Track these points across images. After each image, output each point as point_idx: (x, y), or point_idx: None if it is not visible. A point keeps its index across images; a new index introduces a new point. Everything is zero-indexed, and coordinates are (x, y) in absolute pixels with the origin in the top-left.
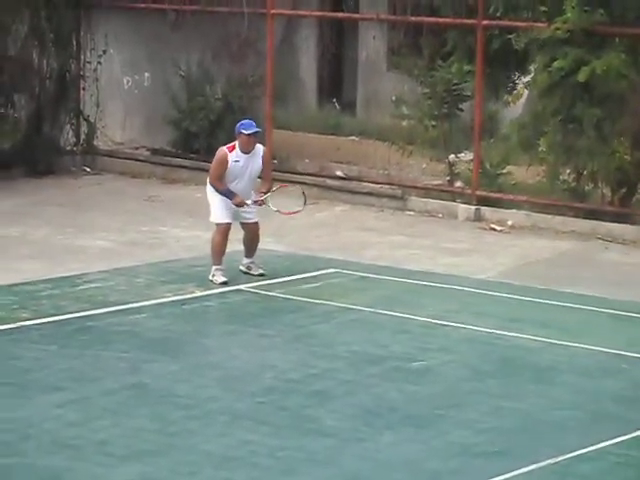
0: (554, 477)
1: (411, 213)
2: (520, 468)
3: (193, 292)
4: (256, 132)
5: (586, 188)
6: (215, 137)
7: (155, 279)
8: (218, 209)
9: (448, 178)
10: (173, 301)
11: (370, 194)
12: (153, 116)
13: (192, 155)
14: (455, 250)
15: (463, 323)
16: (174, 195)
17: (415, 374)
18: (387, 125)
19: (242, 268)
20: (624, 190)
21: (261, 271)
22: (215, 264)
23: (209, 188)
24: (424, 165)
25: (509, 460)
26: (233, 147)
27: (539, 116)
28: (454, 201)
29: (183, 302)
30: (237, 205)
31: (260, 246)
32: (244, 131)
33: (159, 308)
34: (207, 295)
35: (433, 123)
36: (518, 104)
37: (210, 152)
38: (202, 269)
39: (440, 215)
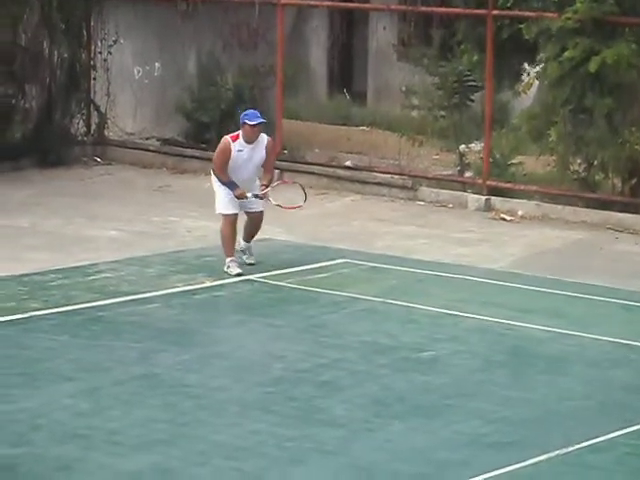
0: (564, 467)
1: (421, 203)
2: (530, 458)
3: (203, 282)
4: (260, 123)
5: (596, 178)
6: (226, 127)
7: (165, 269)
8: (223, 200)
9: (458, 168)
10: (183, 291)
11: (380, 184)
12: (164, 106)
13: (203, 145)
14: (465, 240)
15: (473, 313)
16: (184, 185)
17: (424, 364)
18: (397, 115)
19: (237, 248)
20: (635, 180)
21: (252, 261)
22: (228, 255)
23: (214, 178)
24: (435, 155)
25: (519, 450)
26: (237, 137)
27: (549, 106)
28: (464, 191)
29: (193, 292)
30: (238, 197)
31: (271, 236)
32: (248, 121)
33: (169, 298)
34: (217, 285)
35: (443, 113)
36: (529, 94)
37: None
38: (212, 259)
39: (450, 205)
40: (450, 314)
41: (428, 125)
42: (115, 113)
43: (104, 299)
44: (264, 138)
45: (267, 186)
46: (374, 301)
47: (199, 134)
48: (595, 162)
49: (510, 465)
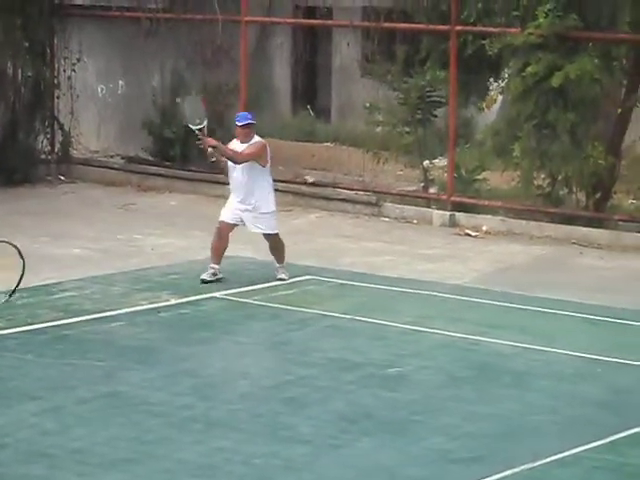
0: None
1: (386, 219)
2: (496, 473)
3: (168, 300)
4: (248, 124)
5: (561, 193)
6: (189, 145)
7: (130, 287)
8: (224, 208)
9: (423, 184)
10: (148, 309)
11: (345, 200)
12: (128, 124)
13: (167, 163)
14: (430, 256)
15: (439, 329)
16: (149, 203)
17: (391, 380)
18: (362, 131)
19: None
20: (599, 195)
21: (282, 276)
22: (211, 262)
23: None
24: (399, 171)
25: (485, 465)
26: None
27: (513, 121)
28: (429, 207)
29: (158, 310)
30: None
31: (235, 253)
32: (237, 123)
33: (134, 316)
34: (182, 303)
35: (407, 129)
36: (492, 109)
37: (185, 160)
38: (177, 277)
39: (415, 221)
40: (416, 330)
41: (392, 141)
42: (79, 131)
43: (69, 318)
44: (256, 139)
45: (212, 146)
46: (340, 318)
47: (164, 151)
48: (559, 177)
49: None
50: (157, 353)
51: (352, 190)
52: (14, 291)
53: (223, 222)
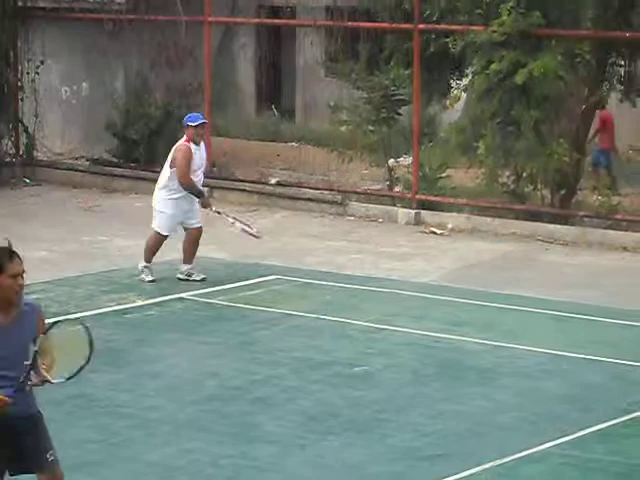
0: (499, 479)
1: (351, 218)
2: (464, 471)
3: (134, 301)
4: (203, 123)
5: (526, 190)
6: (155, 146)
7: (96, 289)
8: (166, 221)
9: (388, 183)
10: (115, 310)
11: (310, 200)
12: (92, 126)
13: (132, 164)
14: (396, 254)
15: (405, 327)
16: (114, 205)
17: (357, 379)
18: (326, 131)
19: (181, 276)
20: (563, 191)
21: (203, 276)
22: (147, 260)
23: (162, 195)
24: (364, 170)
25: (453, 463)
26: (187, 140)
27: (477, 119)
28: (394, 205)
29: (125, 311)
30: (204, 206)
31: (201, 254)
32: (191, 123)
33: (101, 318)
34: (149, 304)
35: (371, 128)
36: (456, 107)
37: (150, 161)
38: None
39: (380, 220)
40: (382, 328)
41: (357, 140)
42: (44, 134)
43: None
44: (201, 143)
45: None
46: (306, 317)
47: (128, 153)
48: (524, 174)
49: (444, 478)
50: (124, 355)
51: (317, 189)
52: (72, 376)
53: (166, 236)
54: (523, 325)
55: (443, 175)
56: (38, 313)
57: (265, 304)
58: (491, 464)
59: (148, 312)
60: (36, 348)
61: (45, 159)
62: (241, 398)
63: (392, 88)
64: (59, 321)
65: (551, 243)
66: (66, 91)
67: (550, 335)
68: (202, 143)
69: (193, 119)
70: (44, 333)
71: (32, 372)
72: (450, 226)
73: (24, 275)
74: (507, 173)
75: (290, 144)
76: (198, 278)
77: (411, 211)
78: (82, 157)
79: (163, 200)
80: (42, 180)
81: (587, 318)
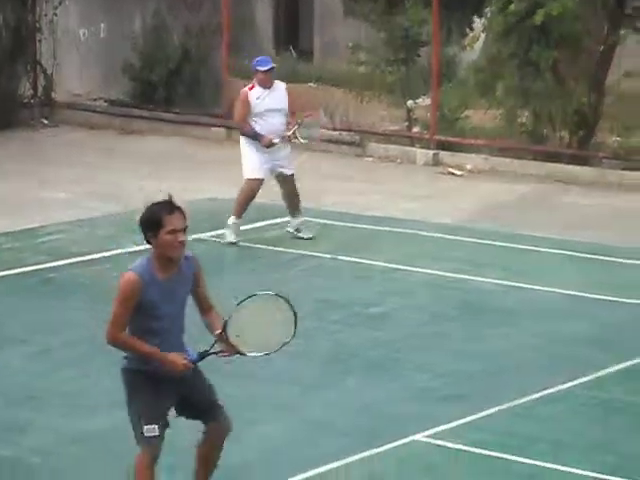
0: (517, 419)
1: (370, 159)
2: (482, 411)
3: None
4: (272, 68)
5: (544, 131)
6: (173, 87)
7: (117, 230)
8: (252, 163)
9: (406, 123)
10: (135, 252)
11: (329, 141)
12: (110, 67)
13: (150, 105)
14: (414, 195)
15: (423, 268)
16: (133, 146)
17: (376, 320)
18: (345, 72)
19: (290, 229)
20: (582, 132)
21: (311, 235)
22: (235, 215)
23: (242, 141)
24: (382, 111)
25: (471, 403)
26: (253, 86)
27: (496, 59)
28: (413, 146)
29: (145, 253)
30: (266, 146)
31: (219, 195)
32: (260, 68)
33: (121, 259)
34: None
35: (390, 69)
36: (475, 48)
37: (169, 102)
38: None
39: (399, 160)
40: (401, 269)
41: (376, 81)
42: (62, 75)
43: (55, 261)
44: (281, 84)
45: (292, 127)
46: (324, 258)
47: (146, 94)
48: (542, 115)
49: (462, 418)
50: None
51: (335, 130)
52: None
53: (258, 179)
54: (542, 266)
55: (462, 116)
56: (195, 266)
57: (283, 245)
58: (509, 404)
59: None
60: (227, 318)
61: (63, 100)
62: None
63: (411, 28)
64: (256, 294)
65: (569, 184)
66: (84, 33)
67: (569, 276)
68: (279, 85)
69: (262, 63)
70: (237, 304)
71: (218, 340)
72: (468, 167)
73: (186, 230)
74: (525, 114)
75: (308, 85)
76: (305, 236)
77: (429, 152)
78: (100, 98)
79: (242, 147)
80: (60, 121)
81: (606, 259)
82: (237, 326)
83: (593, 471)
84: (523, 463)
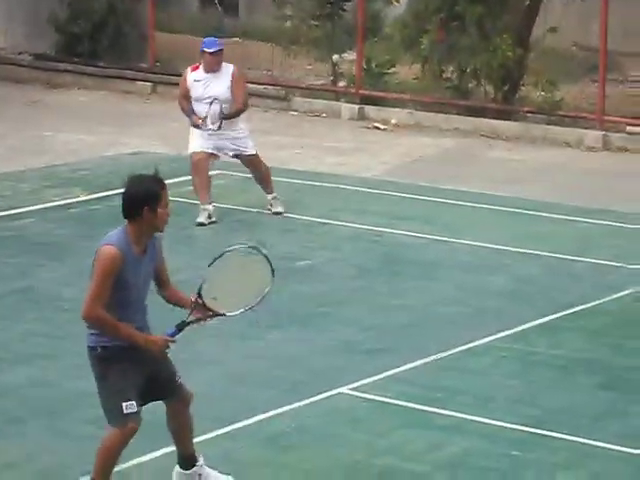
0: (440, 372)
1: (295, 113)
2: (406, 364)
3: (78, 196)
4: (219, 50)
5: (469, 85)
6: (98, 40)
7: (40, 184)
8: (193, 138)
9: (332, 78)
10: (59, 205)
11: (254, 95)
12: (35, 21)
13: (75, 59)
14: (339, 149)
15: (347, 222)
16: (58, 100)
17: (300, 273)
18: (270, 26)
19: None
20: (507, 87)
21: (279, 209)
22: (201, 201)
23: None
24: (308, 66)
25: (395, 356)
26: (197, 67)
27: (421, 14)
28: (338, 101)
29: (69, 206)
30: (193, 126)
31: (145, 149)
32: (206, 49)
33: (45, 212)
34: (93, 199)
35: (316, 23)
36: (401, 3)
37: (93, 56)
38: (87, 172)
39: (324, 115)
40: (324, 223)
41: (301, 35)
42: None
43: None
44: (230, 68)
45: (229, 117)
46: (250, 212)
47: (72, 47)
48: (467, 69)
49: (386, 371)
50: (69, 249)
51: (260, 84)
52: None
53: (198, 152)
54: (465, 220)
55: (387, 71)
56: (158, 241)
57: None
58: (433, 357)
59: (93, 207)
60: (201, 282)
61: None
62: (184, 291)
63: None
64: (226, 252)
65: (494, 139)
66: None
67: (492, 230)
68: (226, 70)
69: (208, 44)
70: (209, 265)
71: (194, 308)
72: (393, 121)
73: None
74: (451, 69)
75: (234, 39)
76: (274, 210)
77: (354, 106)
78: (25, 52)
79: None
80: None
81: (529, 213)
82: (212, 288)
83: (517, 424)
84: (448, 415)
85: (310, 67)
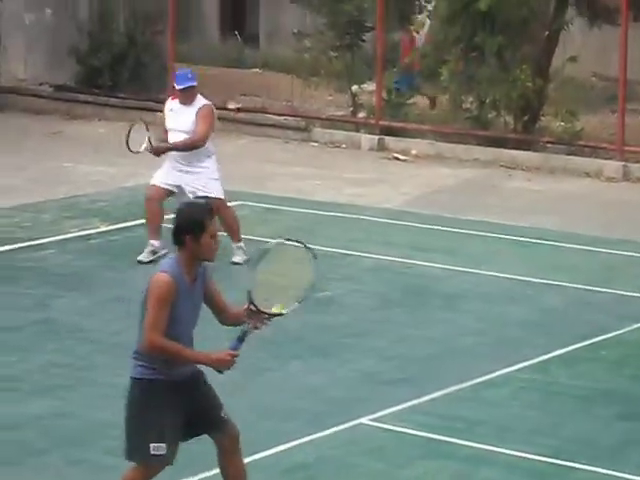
0: (461, 403)
1: (315, 144)
2: (426, 395)
3: (99, 227)
4: (187, 87)
5: (489, 116)
6: (118, 72)
7: (60, 215)
8: (159, 171)
9: (351, 109)
10: (79, 236)
11: (274, 126)
12: (56, 52)
13: (95, 90)
14: (360, 180)
15: (369, 252)
16: (78, 131)
17: (321, 304)
18: (290, 57)
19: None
20: (526, 117)
21: (237, 259)
22: (149, 237)
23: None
24: (328, 96)
25: (415, 387)
26: (175, 96)
27: (441, 45)
28: (358, 131)
29: (89, 237)
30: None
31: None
32: (176, 86)
33: (65, 243)
34: (113, 230)
35: (335, 54)
36: (421, 33)
37: (113, 87)
38: (106, 204)
39: (344, 146)
40: (346, 254)
41: (321, 66)
42: (7, 60)
43: (0, 246)
44: (200, 103)
45: (176, 148)
46: (269, 243)
47: (92, 79)
48: (487, 100)
49: (406, 402)
50: (89, 280)
51: (281, 115)
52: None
53: (153, 185)
54: (486, 251)
55: (409, 102)
56: (208, 270)
57: None
58: (453, 388)
59: (113, 237)
60: (248, 290)
61: (8, 85)
62: (205, 323)
63: (355, 14)
64: (268, 250)
65: (514, 169)
66: (29, 17)
67: (513, 261)
68: (197, 104)
69: (178, 80)
70: (249, 270)
71: (249, 316)
72: (413, 152)
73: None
74: (470, 99)
75: (254, 70)
76: (232, 259)
77: (374, 137)
78: (45, 83)
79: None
80: (5, 106)
81: (550, 244)
82: (261, 290)
83: (536, 454)
84: (467, 446)
85: (330, 98)
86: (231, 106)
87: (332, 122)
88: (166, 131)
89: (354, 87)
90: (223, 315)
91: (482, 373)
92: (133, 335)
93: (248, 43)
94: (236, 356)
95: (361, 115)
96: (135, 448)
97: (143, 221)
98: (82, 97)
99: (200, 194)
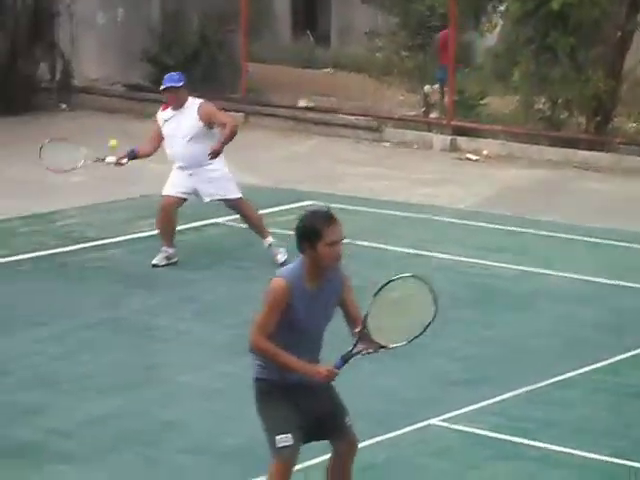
0: (531, 404)
1: (387, 144)
2: (496, 396)
3: None
4: (168, 87)
5: (561, 117)
6: (191, 71)
7: (132, 214)
8: (170, 178)
9: (423, 109)
10: (151, 235)
11: (345, 126)
12: (128, 52)
13: None
14: (431, 180)
15: (440, 253)
16: (150, 130)
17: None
18: (362, 57)
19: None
20: (599, 118)
21: (279, 258)
22: (163, 244)
23: None
24: (400, 96)
25: (486, 388)
26: (166, 106)
27: (513, 45)
28: (430, 132)
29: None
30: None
31: (237, 180)
32: (162, 86)
33: (136, 243)
34: (184, 229)
35: (407, 54)
36: (493, 33)
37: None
38: None
39: (416, 146)
40: (417, 254)
41: (393, 66)
42: (79, 60)
43: (71, 245)
44: (194, 103)
45: (225, 143)
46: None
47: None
48: (559, 101)
49: (477, 403)
50: (159, 279)
51: (352, 115)
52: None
53: (167, 196)
54: (558, 251)
55: (482, 102)
56: (343, 276)
57: None
58: (524, 389)
59: (184, 237)
60: (365, 312)
61: (81, 85)
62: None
63: (427, 13)
64: (391, 281)
65: (586, 170)
66: (102, 17)
67: (585, 261)
68: (191, 105)
69: (165, 82)
70: (374, 295)
71: (360, 339)
72: (485, 152)
73: (343, 242)
74: (542, 100)
75: (325, 70)
76: (276, 259)
77: (446, 137)
78: (118, 83)
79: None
80: (78, 106)
81: (622, 245)
82: (377, 319)
83: (607, 455)
84: (537, 447)
85: (402, 98)
86: (302, 104)
87: (404, 122)
88: (152, 140)
89: (426, 87)
90: (352, 326)
91: (553, 374)
92: (201, 334)
93: (320, 43)
94: (337, 374)
95: (433, 115)
96: (269, 446)
97: (215, 220)
98: (154, 96)
99: (217, 198)
